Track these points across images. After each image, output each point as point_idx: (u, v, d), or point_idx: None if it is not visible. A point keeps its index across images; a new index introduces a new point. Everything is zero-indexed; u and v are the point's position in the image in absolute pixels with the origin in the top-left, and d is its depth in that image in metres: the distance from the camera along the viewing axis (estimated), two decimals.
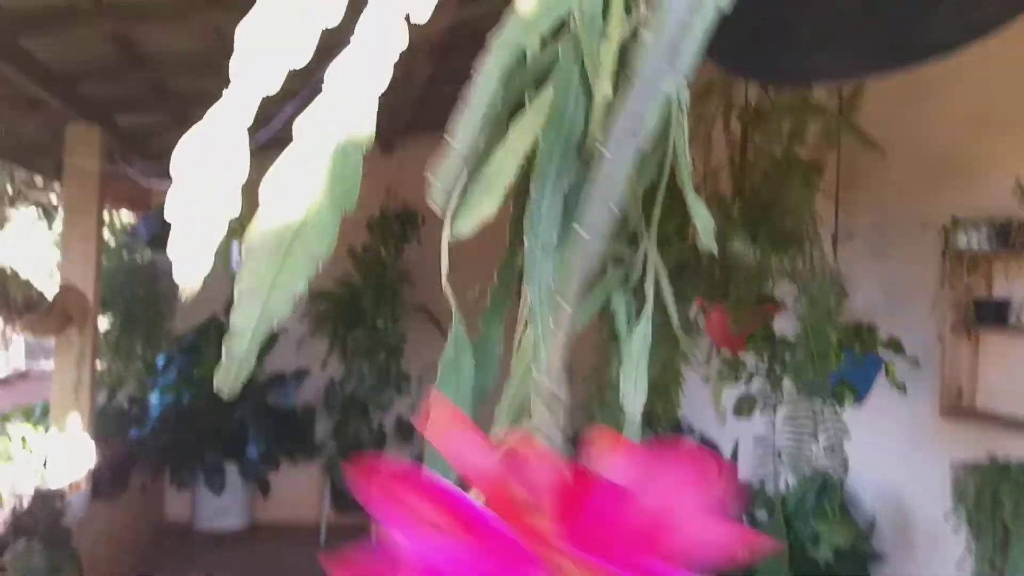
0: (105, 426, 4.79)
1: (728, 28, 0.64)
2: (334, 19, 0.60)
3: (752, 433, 3.51)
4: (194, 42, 3.49)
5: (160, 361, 5.79)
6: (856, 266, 3.39)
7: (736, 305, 3.14)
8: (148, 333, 5.87)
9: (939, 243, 2.84)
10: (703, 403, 3.64)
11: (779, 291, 3.33)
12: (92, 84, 3.81)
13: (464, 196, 0.66)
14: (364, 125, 0.59)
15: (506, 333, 0.77)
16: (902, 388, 2.93)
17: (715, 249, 0.64)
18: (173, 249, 0.60)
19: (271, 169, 0.60)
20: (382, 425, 6.07)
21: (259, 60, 0.60)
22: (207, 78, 4.13)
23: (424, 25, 0.60)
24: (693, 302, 3.31)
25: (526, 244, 0.63)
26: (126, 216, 6.20)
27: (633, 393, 0.70)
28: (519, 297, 0.74)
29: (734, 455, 4.23)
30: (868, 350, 2.86)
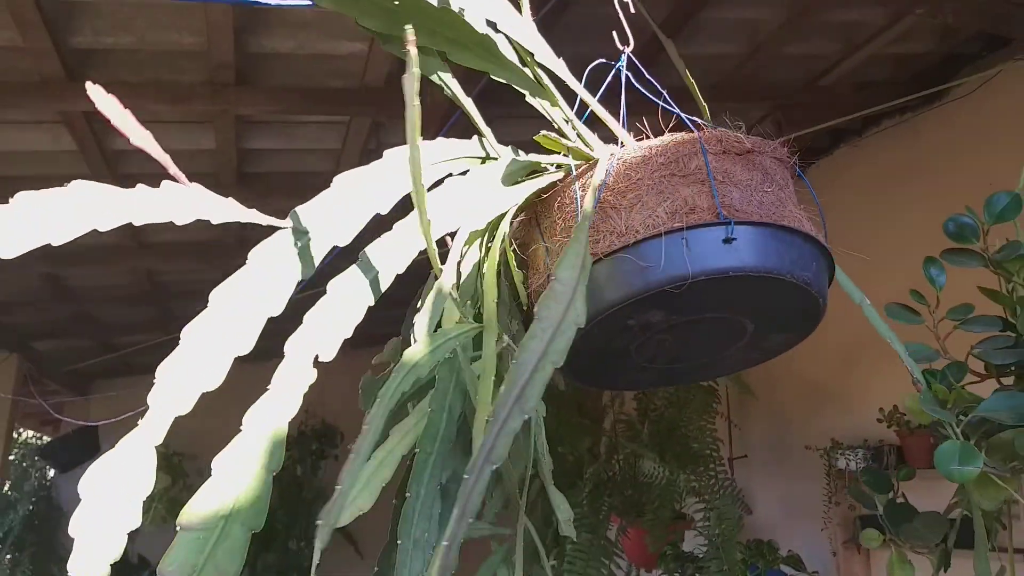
0: None
1: (575, 361, 0.85)
2: (245, 348, 0.76)
3: None
4: (122, 279, 3.67)
5: None
6: (752, 484, 3.62)
7: (653, 523, 3.27)
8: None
9: (822, 464, 3.08)
10: None
11: (687, 509, 3.50)
12: (14, 314, 3.89)
13: (343, 491, 0.80)
14: (274, 450, 0.73)
15: None
16: None
17: (574, 535, 0.81)
18: (74, 564, 0.69)
19: (194, 497, 0.71)
20: None
21: (177, 391, 0.73)
22: (132, 308, 4.28)
23: None
24: (610, 520, 3.43)
25: (399, 541, 0.77)
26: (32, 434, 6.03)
27: None
28: None
29: None
30: (771, 566, 3.00)
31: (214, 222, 0.76)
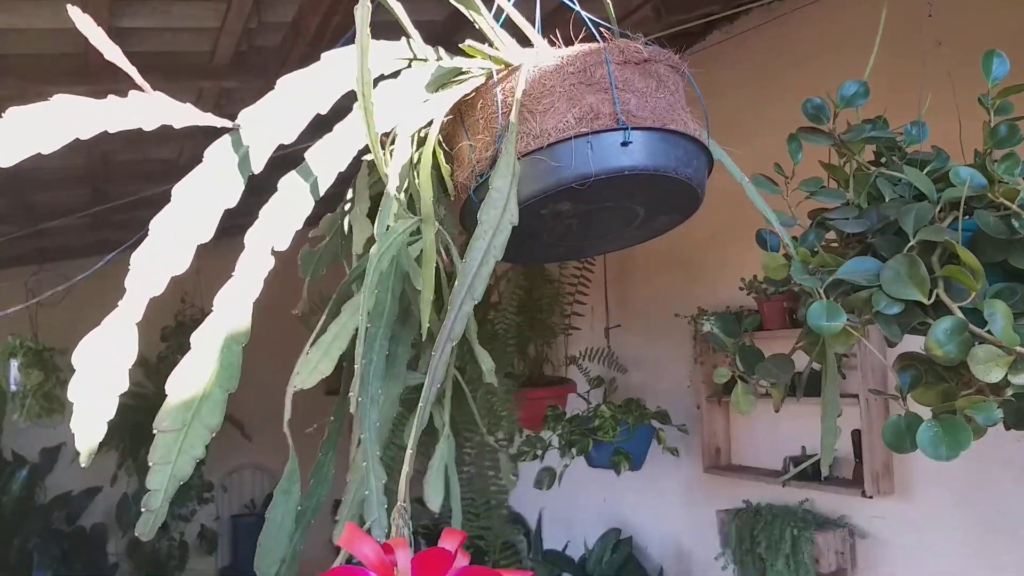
0: None
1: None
2: (206, 236, 0.85)
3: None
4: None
5: None
6: (626, 350, 3.94)
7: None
8: None
9: (690, 330, 3.41)
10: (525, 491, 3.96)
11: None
12: None
13: (305, 358, 0.94)
14: (242, 325, 0.85)
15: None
16: (675, 452, 3.43)
17: (496, 383, 0.97)
18: (77, 423, 0.80)
19: (177, 367, 0.84)
20: (183, 536, 5.84)
21: (150, 275, 0.83)
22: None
23: None
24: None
25: (359, 397, 0.91)
26: None
27: (434, 496, 1.01)
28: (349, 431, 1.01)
29: (539, 525, 4.59)
30: (640, 422, 3.33)
31: (176, 127, 0.82)
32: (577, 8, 1.09)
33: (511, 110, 0.96)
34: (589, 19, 1.09)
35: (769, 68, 3.27)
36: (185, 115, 0.84)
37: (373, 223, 0.99)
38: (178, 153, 3.74)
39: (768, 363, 1.37)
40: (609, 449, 3.24)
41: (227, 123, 0.87)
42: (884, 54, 1.52)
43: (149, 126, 0.81)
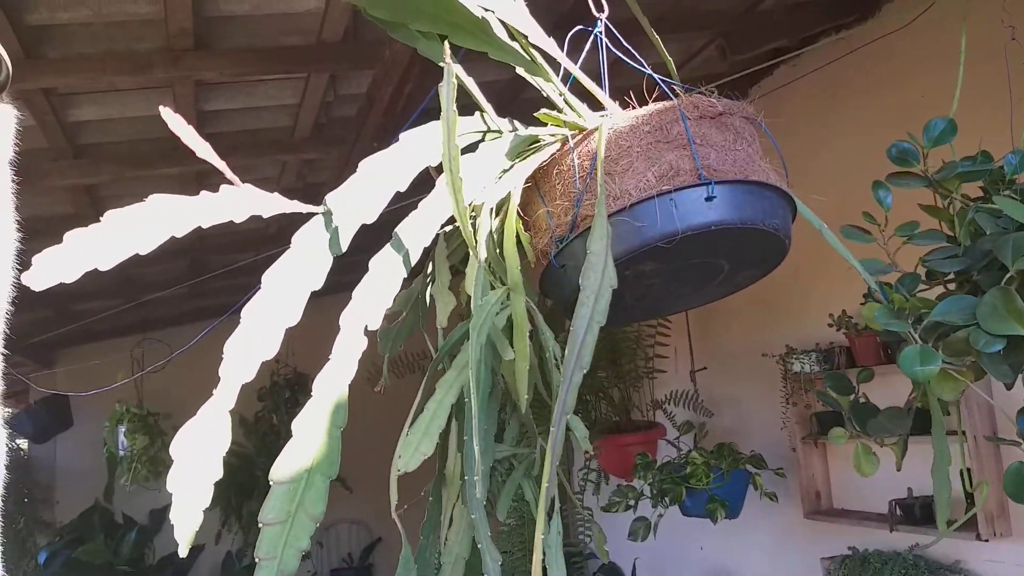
0: None
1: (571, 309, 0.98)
2: (294, 320, 0.88)
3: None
4: None
5: (43, 556, 5.49)
6: (714, 393, 3.85)
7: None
8: (27, 526, 5.59)
9: (779, 369, 3.31)
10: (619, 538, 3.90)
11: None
12: None
13: (406, 440, 0.94)
14: (341, 410, 0.86)
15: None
16: (773, 497, 3.31)
17: (590, 449, 0.96)
18: (176, 514, 0.83)
19: (280, 456, 0.86)
20: None
21: (243, 362, 0.86)
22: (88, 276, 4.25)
23: None
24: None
25: (466, 475, 0.91)
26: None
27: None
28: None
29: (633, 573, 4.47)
30: (734, 467, 3.23)
31: (265, 216, 0.86)
32: (648, 71, 1.10)
33: (587, 174, 0.97)
34: (661, 80, 1.09)
35: (838, 99, 3.20)
36: (273, 204, 0.88)
37: (455, 295, 1.01)
38: (267, 223, 3.90)
39: (882, 419, 1.31)
40: (703, 497, 3.15)
41: (313, 208, 0.90)
42: (965, 79, 1.48)
43: (239, 218, 0.85)
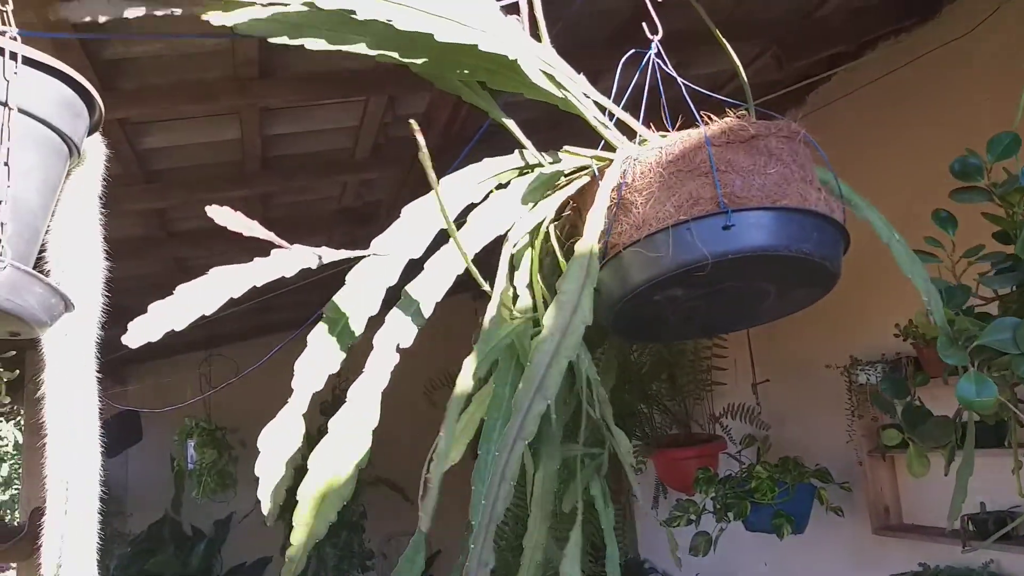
0: None
1: (619, 327, 1.00)
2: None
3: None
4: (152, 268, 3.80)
5: (113, 565, 5.69)
6: (777, 406, 3.79)
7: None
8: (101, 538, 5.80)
9: (843, 381, 3.24)
10: (663, 544, 3.86)
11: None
12: None
13: (441, 452, 1.00)
14: (372, 416, 0.94)
15: None
16: (839, 512, 3.24)
17: (633, 465, 1.00)
18: (263, 490, 0.95)
19: (317, 447, 0.95)
20: None
21: (311, 377, 0.97)
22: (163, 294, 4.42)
23: None
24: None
25: (474, 487, 0.96)
26: None
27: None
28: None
29: None
30: (799, 481, 3.18)
31: (313, 268, 0.94)
32: (689, 102, 1.11)
33: (614, 204, 0.99)
34: (695, 111, 1.10)
35: (898, 108, 3.14)
36: (322, 256, 0.96)
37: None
38: (326, 240, 4.00)
39: (931, 426, 1.30)
40: (768, 512, 3.10)
41: (361, 253, 0.96)
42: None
43: (290, 274, 0.94)
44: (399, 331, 1.00)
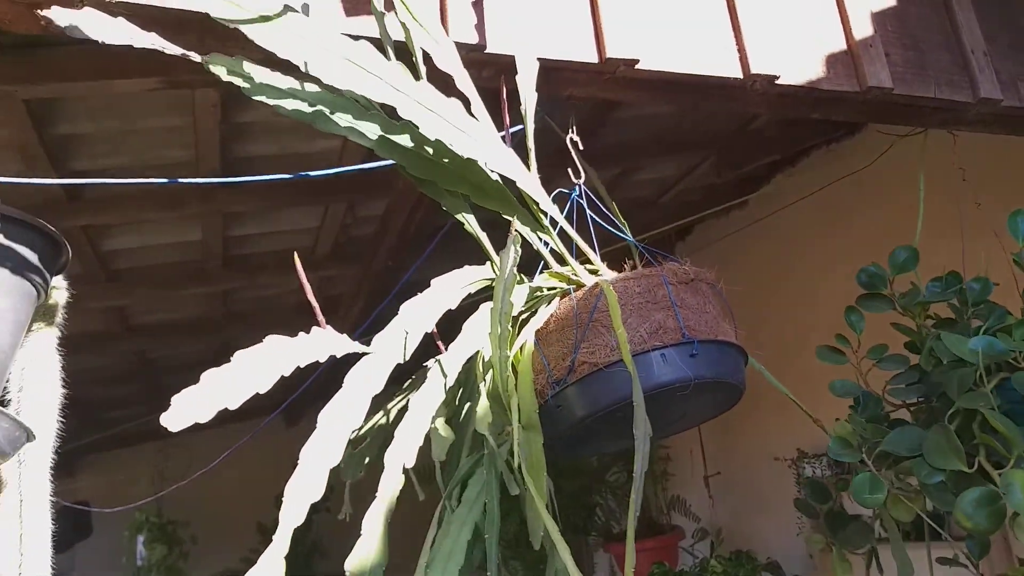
0: None
1: (563, 446, 1.08)
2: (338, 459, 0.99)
3: None
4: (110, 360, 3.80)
5: None
6: (727, 497, 3.85)
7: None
8: None
9: (792, 473, 3.33)
10: None
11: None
12: None
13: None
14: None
15: None
16: None
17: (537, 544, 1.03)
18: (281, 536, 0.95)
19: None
20: None
21: (310, 474, 0.97)
22: (122, 386, 4.40)
23: None
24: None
25: None
26: None
27: None
28: None
29: None
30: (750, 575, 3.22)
31: (338, 355, 0.99)
32: (631, 239, 1.23)
33: (585, 324, 1.08)
34: (645, 248, 1.22)
35: (829, 221, 3.33)
36: (345, 345, 1.03)
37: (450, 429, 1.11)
38: (289, 333, 4.04)
39: (850, 531, 1.38)
40: None
41: (366, 348, 1.02)
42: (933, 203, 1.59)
43: (323, 359, 0.98)
44: (406, 448, 1.01)
